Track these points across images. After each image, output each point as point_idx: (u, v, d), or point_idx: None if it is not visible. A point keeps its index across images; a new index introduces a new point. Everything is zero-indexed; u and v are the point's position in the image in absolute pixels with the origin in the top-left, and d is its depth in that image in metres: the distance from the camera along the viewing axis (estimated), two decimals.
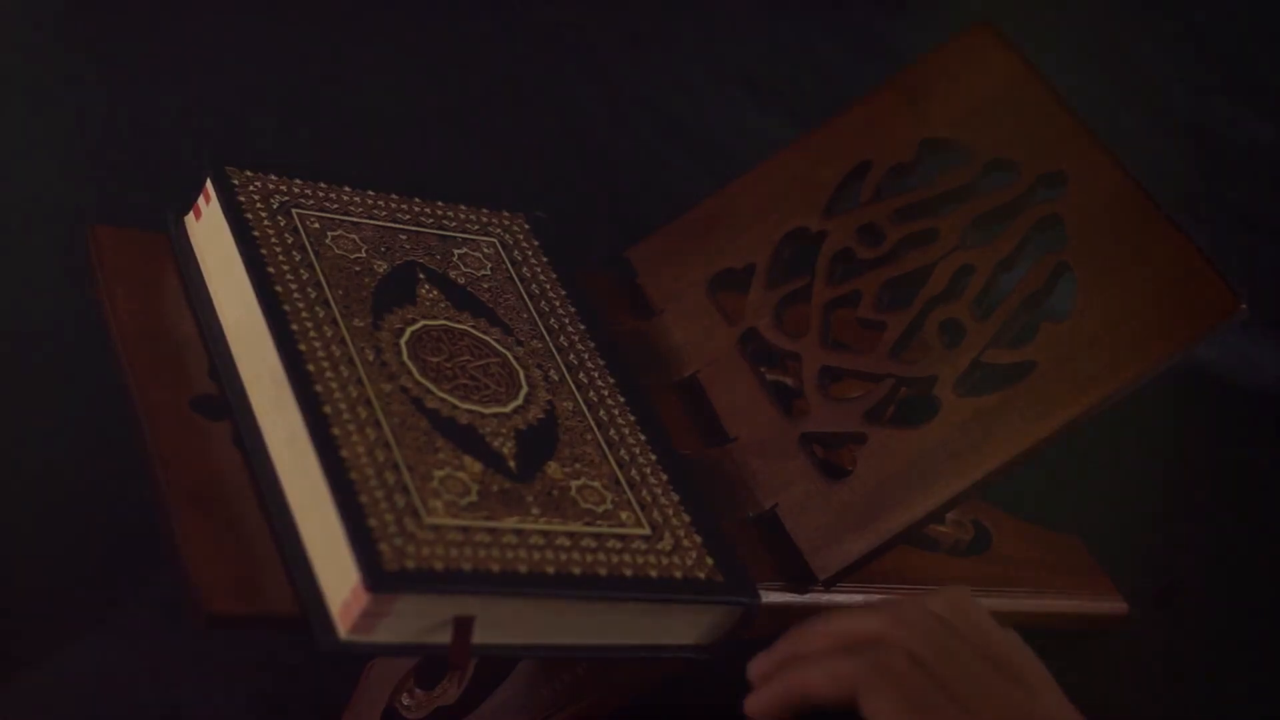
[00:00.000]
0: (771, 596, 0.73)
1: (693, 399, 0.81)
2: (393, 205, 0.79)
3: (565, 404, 0.74)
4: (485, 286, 0.78)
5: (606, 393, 0.76)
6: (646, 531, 0.70)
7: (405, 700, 0.79)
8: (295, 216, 0.75)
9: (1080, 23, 1.26)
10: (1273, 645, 0.90)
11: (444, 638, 0.65)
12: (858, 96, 0.86)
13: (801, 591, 0.74)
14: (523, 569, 0.65)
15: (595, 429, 0.74)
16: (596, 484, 0.71)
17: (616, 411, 0.75)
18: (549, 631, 0.67)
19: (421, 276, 0.76)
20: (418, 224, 0.79)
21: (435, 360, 0.72)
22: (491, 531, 0.66)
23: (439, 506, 0.66)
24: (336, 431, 0.66)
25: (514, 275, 0.79)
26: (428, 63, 1.21)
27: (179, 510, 0.66)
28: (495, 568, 0.65)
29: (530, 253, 0.81)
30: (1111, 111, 1.19)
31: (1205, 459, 1.02)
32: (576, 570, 0.66)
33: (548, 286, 0.80)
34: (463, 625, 0.65)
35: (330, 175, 0.79)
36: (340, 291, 0.73)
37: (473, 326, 0.75)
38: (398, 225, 0.78)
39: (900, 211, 0.82)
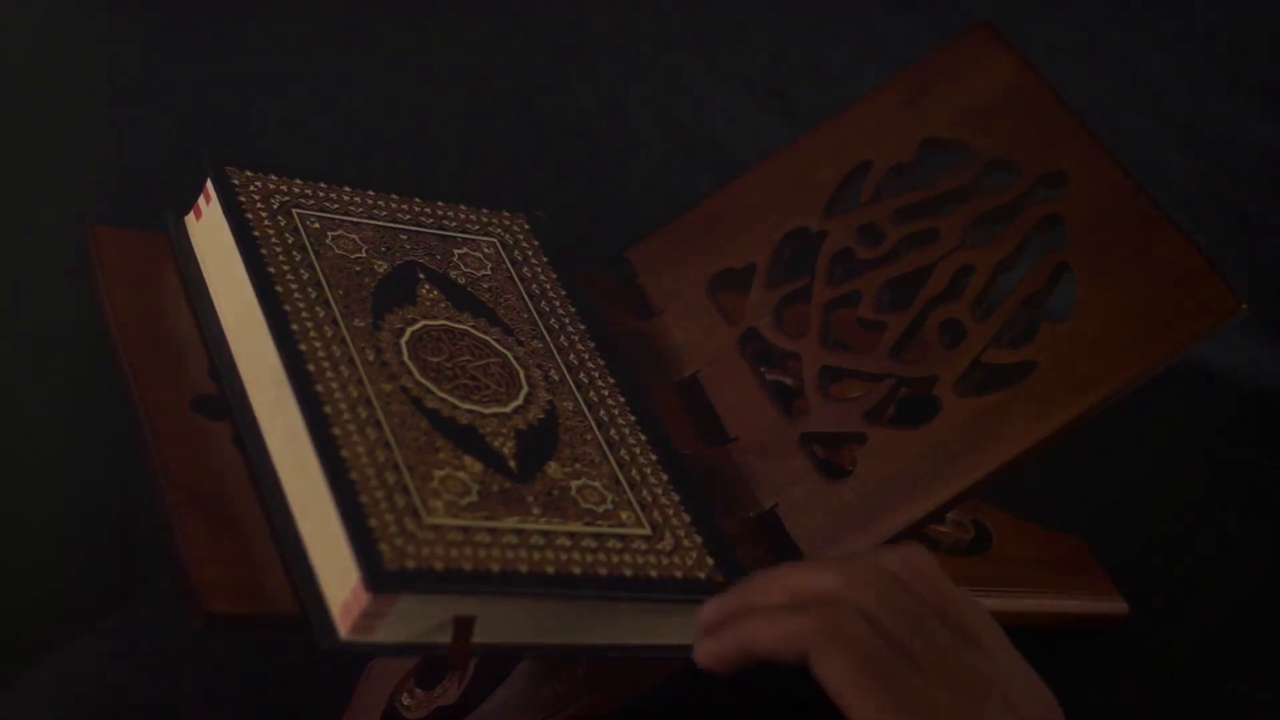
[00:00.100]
0: None
1: (693, 399, 0.81)
2: (393, 205, 0.79)
3: (565, 404, 0.74)
4: (485, 286, 0.78)
5: (607, 393, 0.76)
6: (647, 531, 0.70)
7: (405, 700, 0.79)
8: (295, 216, 0.75)
9: (1080, 23, 1.26)
10: (1273, 645, 0.90)
11: (444, 638, 0.65)
12: (858, 96, 0.86)
13: None
14: (523, 569, 0.65)
15: (595, 429, 0.74)
16: (597, 484, 0.71)
17: (617, 411, 0.75)
18: (549, 631, 0.67)
19: (422, 276, 0.76)
20: (418, 224, 0.79)
21: (435, 360, 0.72)
22: (492, 531, 0.66)
23: (439, 506, 0.66)
24: (337, 431, 0.66)
25: (514, 275, 0.80)
26: (428, 63, 1.21)
27: (179, 510, 0.66)
28: (495, 568, 0.65)
29: (530, 253, 0.81)
30: (1111, 111, 1.19)
31: (1205, 459, 1.02)
32: (577, 570, 0.66)
33: (548, 286, 0.80)
34: (463, 625, 0.65)
35: (330, 175, 0.79)
36: (340, 291, 0.73)
37: (473, 326, 0.75)
38: (398, 225, 0.78)
39: (900, 211, 0.82)
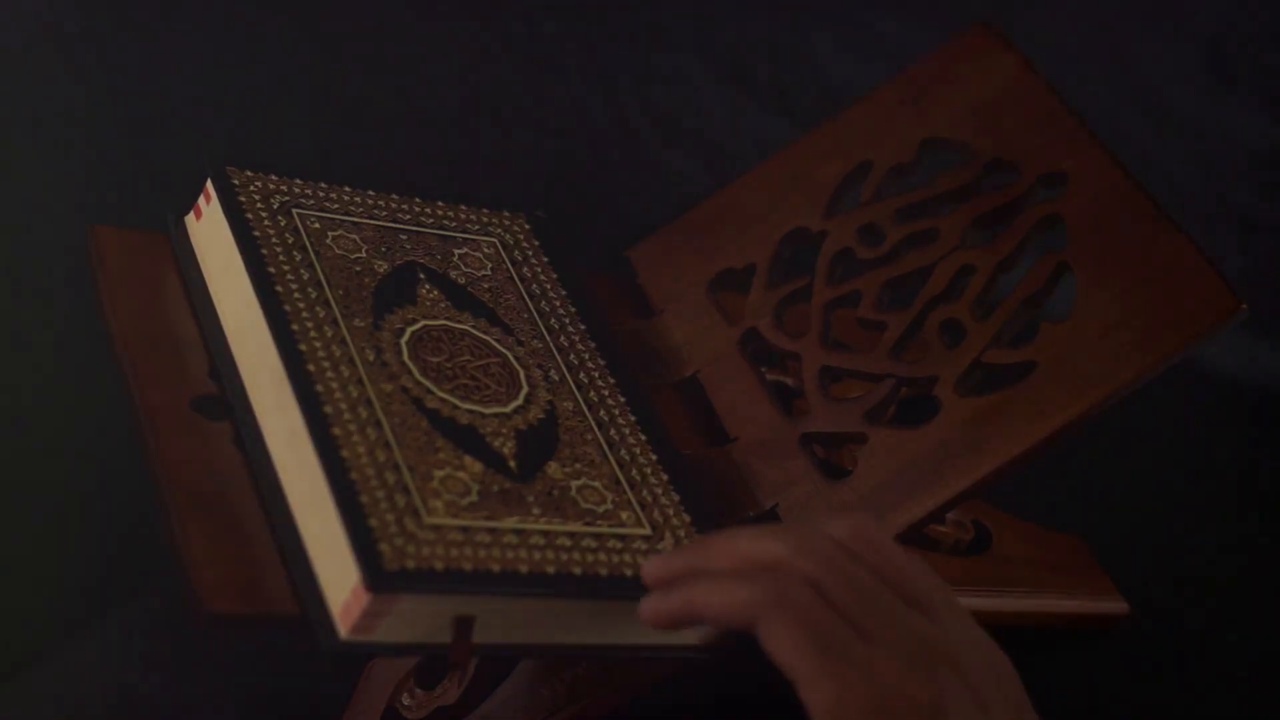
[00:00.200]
0: None
1: (693, 399, 0.81)
2: (393, 205, 0.79)
3: (566, 404, 0.74)
4: (485, 286, 0.78)
5: (607, 393, 0.76)
6: (647, 531, 0.70)
7: (405, 700, 0.79)
8: (296, 216, 0.75)
9: (1080, 23, 1.26)
10: (1274, 645, 0.90)
11: (444, 638, 0.65)
12: (858, 96, 0.86)
13: None
14: (523, 569, 0.65)
15: (596, 429, 0.74)
16: (597, 484, 0.71)
17: (617, 411, 0.75)
18: (549, 631, 0.67)
19: (422, 276, 0.76)
20: (418, 224, 0.79)
21: (436, 360, 0.72)
22: (492, 531, 0.66)
23: (439, 506, 0.66)
24: (337, 431, 0.66)
25: (514, 275, 0.80)
26: (428, 63, 1.21)
27: (179, 510, 0.66)
28: (496, 568, 0.65)
29: (531, 253, 0.81)
30: (1111, 111, 1.19)
31: (1206, 459, 1.02)
32: (577, 570, 0.66)
33: (548, 286, 0.80)
34: (463, 625, 0.65)
35: (330, 175, 0.79)
36: (341, 291, 0.73)
37: (473, 326, 0.75)
38: (398, 225, 0.78)
39: (900, 211, 0.82)
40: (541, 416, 0.73)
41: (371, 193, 0.79)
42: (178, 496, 0.66)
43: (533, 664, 0.77)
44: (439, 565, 0.64)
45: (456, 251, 0.79)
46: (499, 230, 0.82)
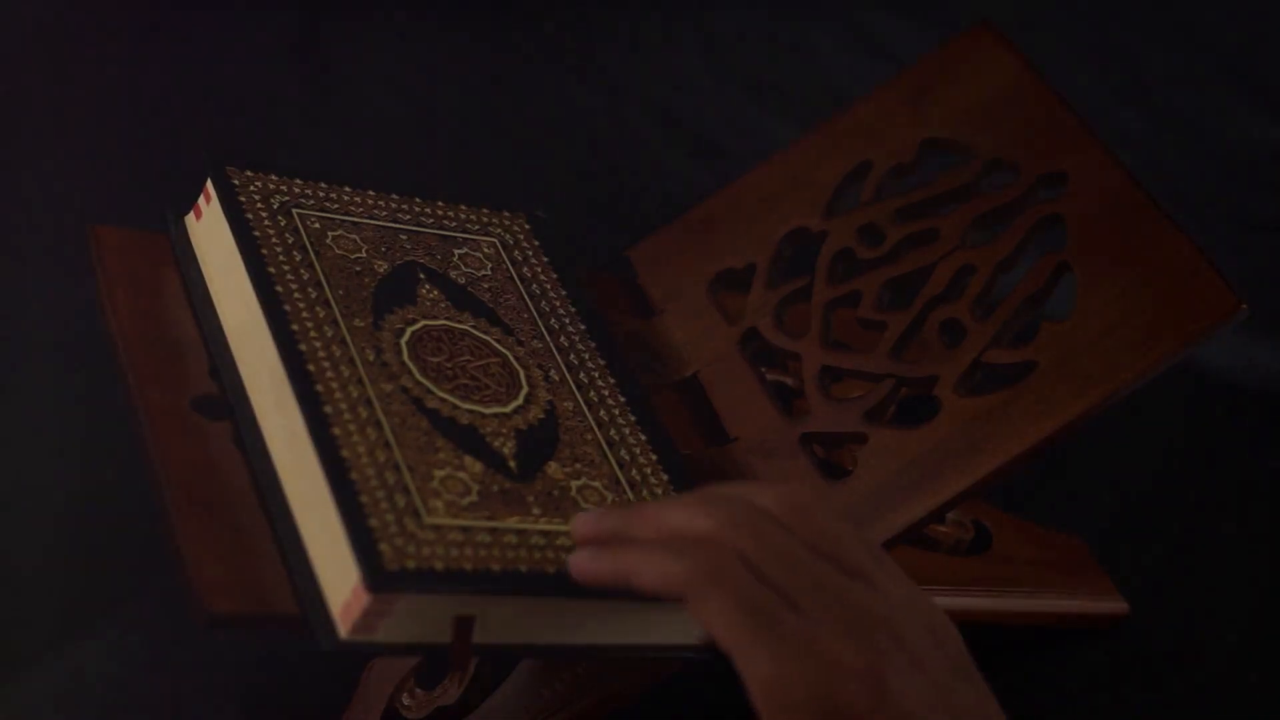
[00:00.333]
0: None
1: (693, 399, 0.81)
2: (393, 205, 0.79)
3: (566, 404, 0.74)
4: (486, 286, 0.78)
5: (607, 393, 0.76)
6: None
7: (405, 700, 0.79)
8: (296, 216, 0.75)
9: (1080, 23, 1.26)
10: (1274, 646, 0.90)
11: (444, 638, 0.65)
12: (858, 96, 0.86)
13: None
14: (523, 569, 0.65)
15: (596, 429, 0.74)
16: (597, 484, 0.71)
17: (617, 411, 0.75)
18: (549, 631, 0.67)
19: (422, 276, 0.76)
20: (418, 224, 0.79)
21: (436, 360, 0.72)
22: (492, 531, 0.66)
23: (439, 506, 0.66)
24: (337, 431, 0.66)
25: (514, 275, 0.80)
26: (428, 63, 1.21)
27: (179, 510, 0.66)
28: (496, 568, 0.65)
29: (531, 253, 0.81)
30: (1111, 111, 1.19)
31: (1206, 459, 1.02)
32: None
33: (548, 286, 0.80)
34: (463, 625, 0.65)
35: (330, 175, 0.79)
36: (341, 291, 0.73)
37: (473, 326, 0.75)
38: (398, 225, 0.78)
39: (901, 211, 0.82)
40: (541, 416, 0.73)
41: (371, 193, 0.79)
42: (178, 496, 0.66)
43: (533, 664, 0.77)
44: (439, 565, 0.64)
45: (456, 251, 0.79)
46: (499, 230, 0.82)
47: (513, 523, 0.67)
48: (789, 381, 0.84)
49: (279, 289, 0.71)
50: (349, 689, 0.80)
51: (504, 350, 0.75)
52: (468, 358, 0.73)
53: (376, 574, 0.62)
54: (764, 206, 0.85)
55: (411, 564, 0.63)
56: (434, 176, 1.11)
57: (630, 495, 0.71)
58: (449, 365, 0.72)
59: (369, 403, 0.68)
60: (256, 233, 0.73)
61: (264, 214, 0.75)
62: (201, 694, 0.83)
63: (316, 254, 0.74)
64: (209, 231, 0.75)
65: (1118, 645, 0.89)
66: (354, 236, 0.76)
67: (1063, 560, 0.90)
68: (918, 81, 0.84)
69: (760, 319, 0.82)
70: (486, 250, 0.80)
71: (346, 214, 0.77)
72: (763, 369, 0.82)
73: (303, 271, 0.73)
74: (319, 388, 0.68)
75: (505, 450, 0.70)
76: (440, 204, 0.81)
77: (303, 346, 0.69)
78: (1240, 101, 1.22)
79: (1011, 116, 0.82)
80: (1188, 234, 0.75)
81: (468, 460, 0.68)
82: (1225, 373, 1.06)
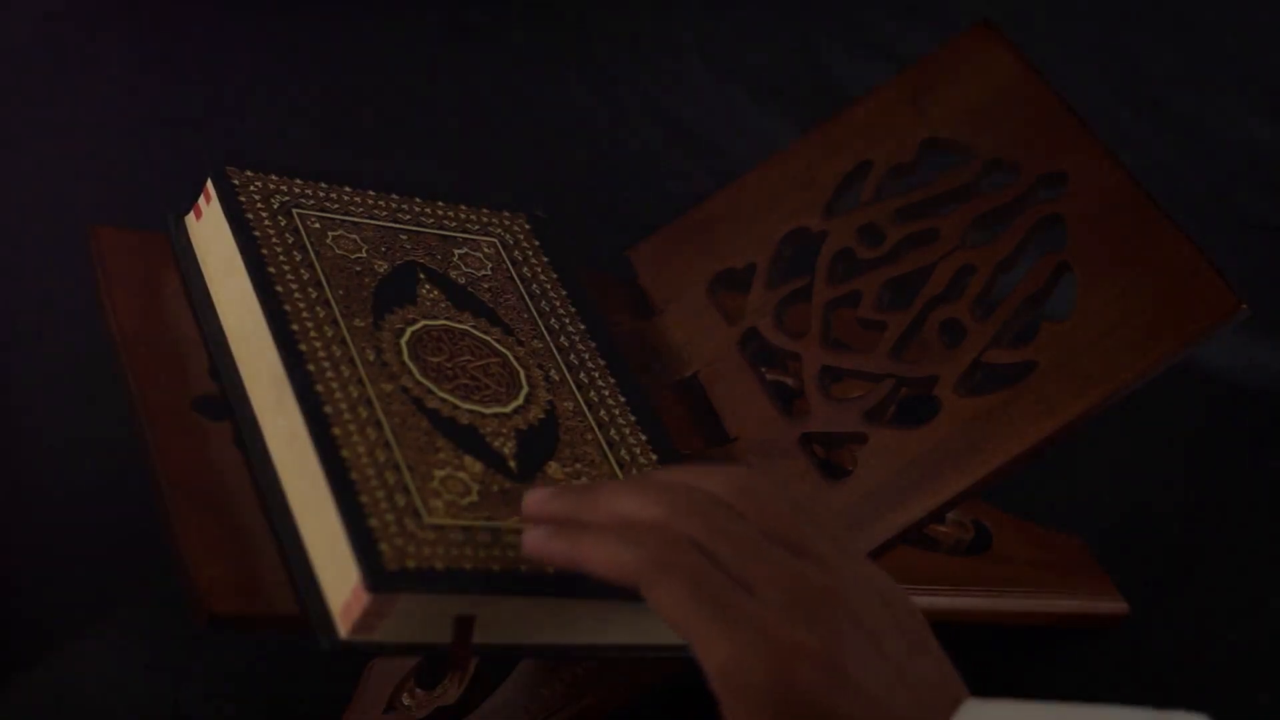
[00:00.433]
0: None
1: (693, 399, 0.81)
2: (393, 205, 0.79)
3: (566, 404, 0.74)
4: (486, 286, 0.78)
5: (607, 393, 0.76)
6: None
7: (405, 700, 0.79)
8: (296, 216, 0.75)
9: (1080, 23, 1.26)
10: (1274, 646, 0.90)
11: (444, 637, 0.65)
12: (858, 96, 0.86)
13: None
14: (523, 568, 0.65)
15: (596, 429, 0.74)
16: None
17: (617, 411, 0.75)
18: (549, 631, 0.67)
19: (422, 276, 0.76)
20: (418, 224, 0.79)
21: (436, 360, 0.72)
22: (492, 531, 0.66)
23: (440, 506, 0.66)
24: (337, 431, 0.66)
25: (514, 275, 0.80)
26: (428, 63, 1.21)
27: (179, 510, 0.66)
28: (496, 567, 0.65)
29: (531, 253, 0.81)
30: (1111, 111, 1.20)
31: (1206, 459, 1.02)
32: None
33: (548, 286, 0.80)
34: (463, 625, 0.65)
35: (330, 175, 0.79)
36: (341, 291, 0.73)
37: (473, 326, 0.75)
38: (398, 225, 0.78)
39: (901, 211, 0.82)
40: (542, 416, 0.73)
41: (371, 193, 0.79)
42: (178, 496, 0.66)
43: (533, 664, 0.77)
44: (439, 565, 0.64)
45: (456, 251, 0.79)
46: (499, 230, 0.82)
47: (513, 523, 0.67)
48: (789, 381, 0.84)
49: (279, 289, 0.71)
50: (349, 689, 0.80)
51: (504, 350, 0.75)
52: (468, 358, 0.73)
53: (376, 574, 0.62)
54: (764, 206, 0.85)
55: (411, 564, 0.63)
56: (434, 176, 1.12)
57: None
58: (449, 365, 0.72)
59: (369, 403, 0.68)
60: (256, 233, 0.73)
61: (264, 214, 0.75)
62: (201, 694, 0.83)
63: (316, 254, 0.74)
64: (209, 231, 0.75)
65: (1118, 645, 0.90)
66: (354, 236, 0.76)
67: (1063, 560, 0.90)
68: (918, 81, 0.84)
69: (760, 319, 0.82)
70: (486, 250, 0.80)
71: (346, 214, 0.77)
72: (763, 369, 0.82)
73: (303, 271, 0.73)
74: (319, 388, 0.68)
75: (505, 450, 0.70)
76: (440, 204, 0.81)
77: (303, 346, 0.69)
78: (1240, 101, 1.22)
79: (1011, 116, 0.82)
80: (1188, 234, 0.75)
81: (468, 460, 0.68)
82: (1225, 373, 1.06)
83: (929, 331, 0.78)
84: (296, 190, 0.77)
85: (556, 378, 0.75)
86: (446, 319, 0.75)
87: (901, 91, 0.85)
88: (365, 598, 0.62)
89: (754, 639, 0.57)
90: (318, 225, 0.76)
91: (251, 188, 0.76)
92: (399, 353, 0.71)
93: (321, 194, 0.78)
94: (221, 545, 0.65)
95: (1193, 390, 1.03)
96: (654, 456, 0.74)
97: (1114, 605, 0.90)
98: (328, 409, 0.67)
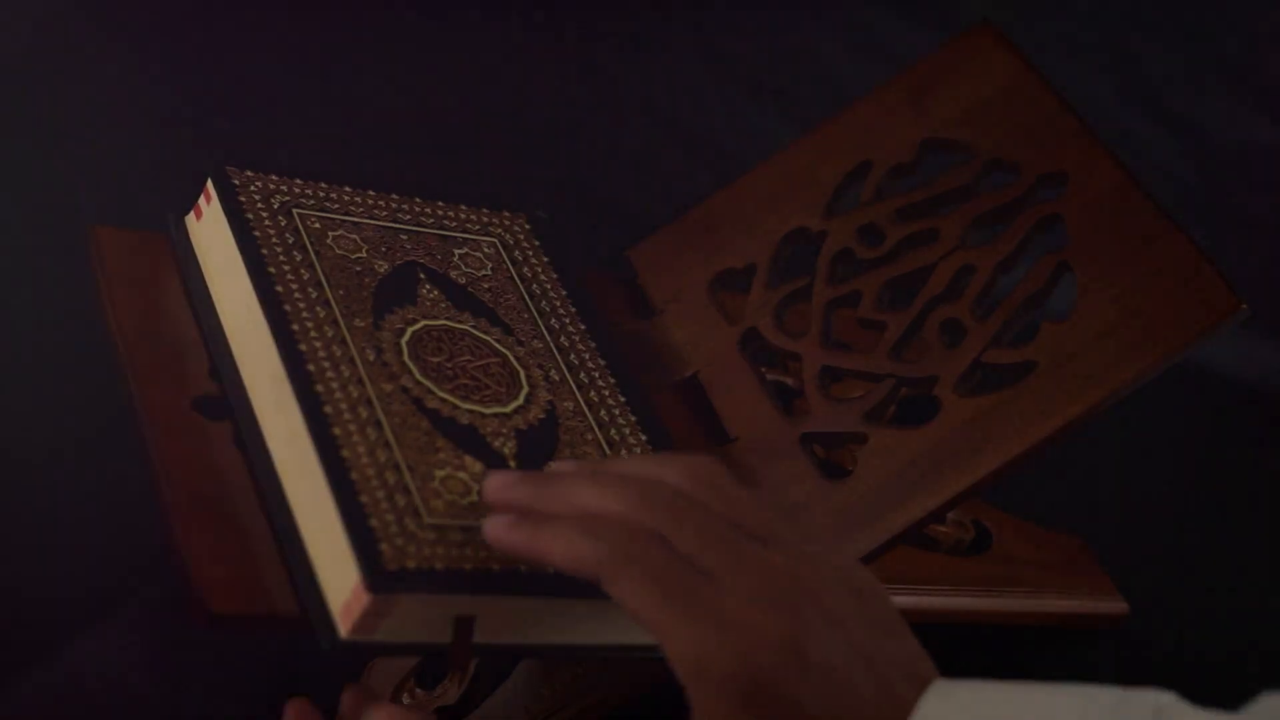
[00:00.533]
0: None
1: (693, 399, 0.81)
2: (393, 205, 0.79)
3: (566, 404, 0.74)
4: (486, 286, 0.78)
5: (607, 393, 0.76)
6: None
7: (406, 700, 0.79)
8: (296, 216, 0.75)
9: (1080, 23, 1.26)
10: (1274, 646, 0.90)
11: (444, 638, 0.65)
12: (858, 96, 0.86)
13: None
14: (523, 569, 0.65)
15: (596, 429, 0.74)
16: None
17: (617, 411, 0.75)
18: (549, 631, 0.67)
19: (422, 276, 0.76)
20: (418, 224, 0.79)
21: (436, 360, 0.72)
22: None
23: (440, 506, 0.66)
24: (337, 431, 0.66)
25: (515, 275, 0.80)
26: (428, 63, 1.21)
27: (179, 510, 0.66)
28: (496, 568, 0.65)
29: (531, 253, 0.81)
30: (1111, 111, 1.19)
31: (1206, 459, 1.02)
32: None
33: (548, 286, 0.80)
34: (463, 625, 0.65)
35: (330, 175, 0.79)
36: (341, 291, 0.73)
37: (473, 326, 0.75)
38: (398, 225, 0.78)
39: (901, 211, 0.82)
40: (542, 416, 0.73)
41: (372, 193, 0.79)
42: (178, 496, 0.66)
43: (533, 664, 0.77)
44: (439, 565, 0.64)
45: (457, 251, 0.79)
46: (499, 230, 0.82)
47: None
48: (789, 381, 0.84)
49: (279, 289, 0.71)
50: None
51: (504, 350, 0.75)
52: (468, 358, 0.73)
53: (377, 574, 0.62)
54: (764, 206, 0.85)
55: (412, 564, 0.63)
56: (434, 176, 1.11)
57: None
58: (449, 365, 0.72)
59: (369, 403, 0.68)
60: (257, 233, 0.73)
61: (264, 214, 0.75)
62: (201, 694, 0.83)
63: (317, 254, 0.74)
64: (209, 231, 0.75)
65: (1118, 645, 0.89)
66: (354, 236, 0.76)
67: (1063, 560, 0.90)
68: (918, 81, 0.84)
69: (760, 319, 0.82)
70: (487, 250, 0.80)
71: (347, 214, 0.77)
72: (763, 369, 0.82)
73: (303, 271, 0.73)
74: (319, 388, 0.68)
75: (506, 450, 0.70)
76: (440, 204, 0.81)
77: (303, 346, 0.69)
78: (1240, 101, 1.22)
79: (1011, 116, 0.82)
80: (1188, 234, 0.75)
81: (468, 460, 0.68)
82: (1225, 373, 1.06)
83: (929, 331, 0.78)
84: (297, 190, 0.77)
85: (557, 378, 0.75)
86: (447, 319, 0.75)
87: (901, 91, 0.85)
88: (365, 598, 0.62)
89: (715, 626, 0.57)
90: (318, 225, 0.76)
91: (252, 188, 0.76)
92: (399, 353, 0.71)
93: (321, 194, 0.78)
94: (221, 545, 0.65)
95: (1193, 390, 1.03)
96: None
97: (1114, 605, 0.90)
98: (328, 409, 0.67)
